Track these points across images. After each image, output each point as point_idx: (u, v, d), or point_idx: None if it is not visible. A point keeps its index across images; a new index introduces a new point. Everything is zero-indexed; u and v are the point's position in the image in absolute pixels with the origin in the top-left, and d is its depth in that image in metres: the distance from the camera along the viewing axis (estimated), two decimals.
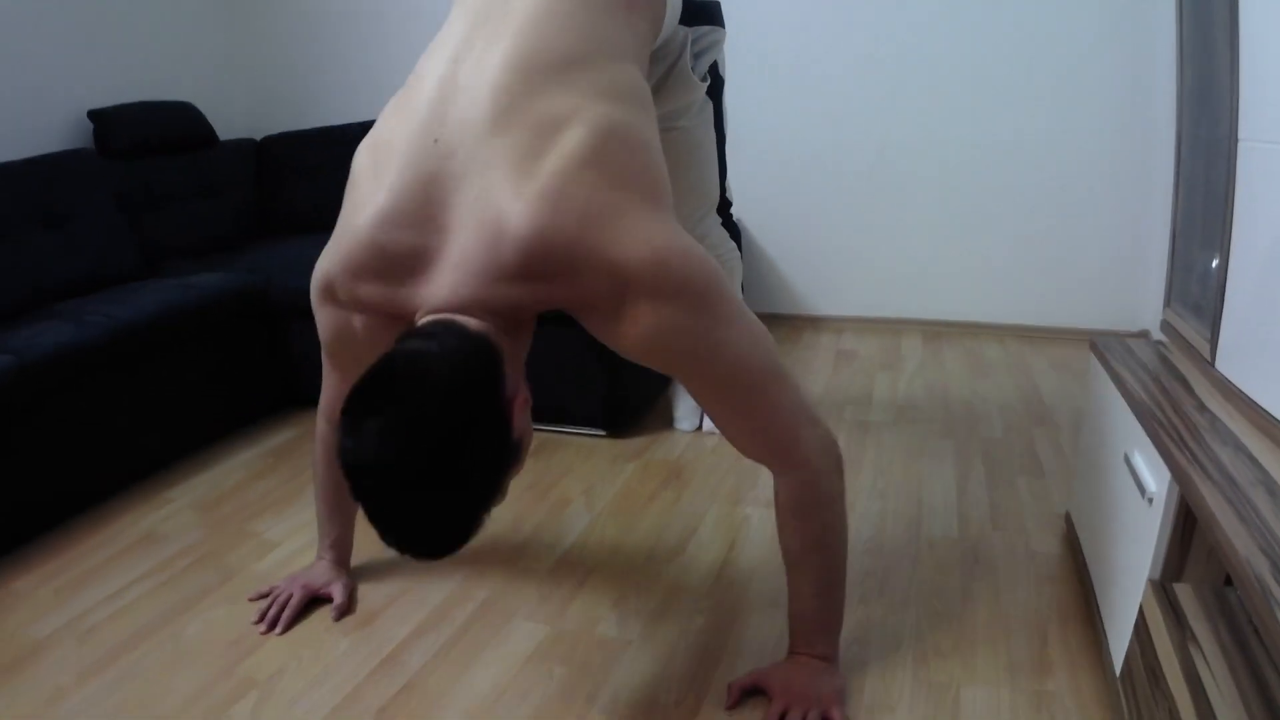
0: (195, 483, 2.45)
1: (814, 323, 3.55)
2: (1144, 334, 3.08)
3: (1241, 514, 1.01)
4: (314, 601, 1.81)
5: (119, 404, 2.38)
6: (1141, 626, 1.22)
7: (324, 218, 3.43)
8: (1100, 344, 1.71)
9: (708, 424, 2.53)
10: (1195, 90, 1.62)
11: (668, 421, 2.62)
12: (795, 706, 1.37)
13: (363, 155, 1.32)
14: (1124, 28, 2.87)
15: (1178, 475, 1.15)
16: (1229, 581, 1.20)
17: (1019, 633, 1.58)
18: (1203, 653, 1.07)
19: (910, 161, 3.25)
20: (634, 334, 1.22)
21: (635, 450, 2.46)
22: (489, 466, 1.14)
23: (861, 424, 2.53)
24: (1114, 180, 3.00)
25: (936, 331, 3.35)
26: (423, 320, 1.22)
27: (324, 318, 1.46)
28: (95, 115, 3.21)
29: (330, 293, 1.37)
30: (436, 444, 1.07)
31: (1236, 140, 1.27)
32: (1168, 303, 1.70)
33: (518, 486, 2.21)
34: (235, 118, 3.98)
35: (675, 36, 1.66)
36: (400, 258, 1.23)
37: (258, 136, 3.91)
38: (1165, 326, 1.69)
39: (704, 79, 1.83)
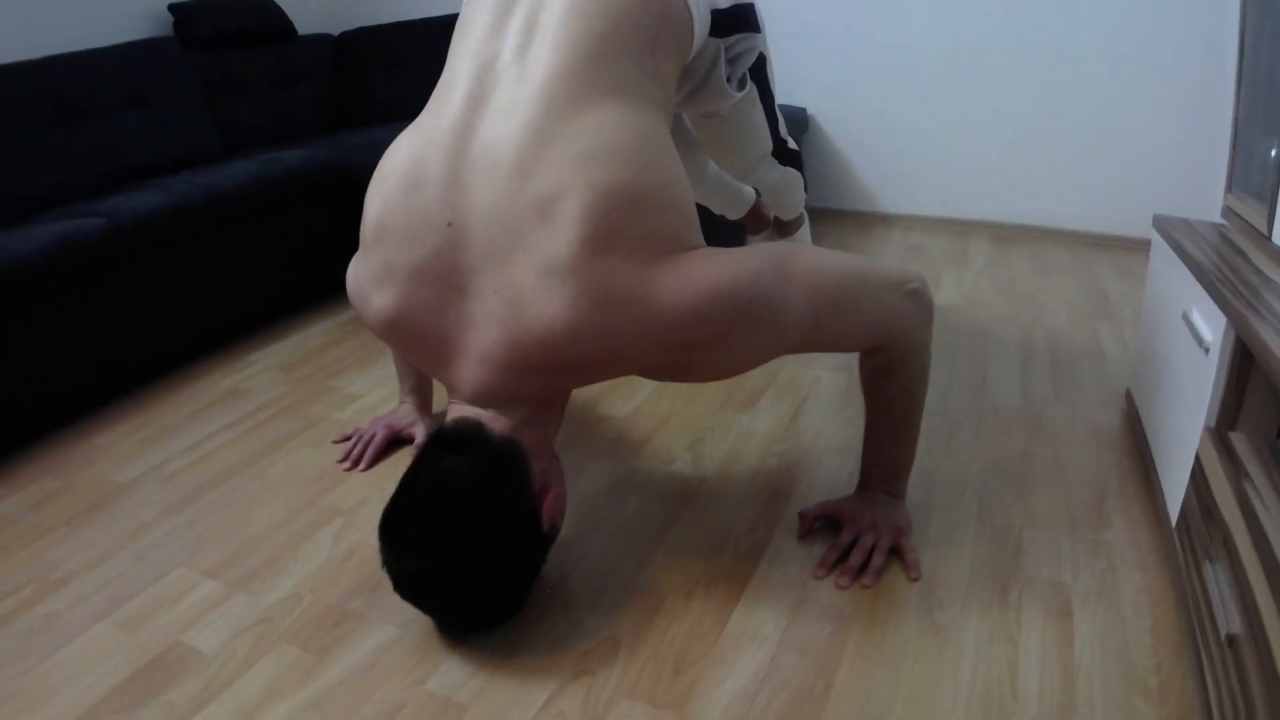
0: (277, 347, 2.55)
1: (884, 220, 3.55)
2: (1185, 220, 3.05)
3: None
4: (396, 442, 1.90)
5: (203, 270, 2.47)
6: (1198, 473, 1.26)
7: (401, 109, 3.58)
8: (1162, 219, 1.73)
9: None
10: None
11: None
12: (866, 534, 1.45)
13: (372, 208, 1.30)
14: None
15: (1234, 320, 1.18)
16: None
17: (1078, 489, 1.63)
18: (1257, 491, 1.12)
19: (983, 64, 3.19)
20: (712, 373, 1.27)
21: None
22: (524, 563, 1.26)
23: None
24: (1183, 92, 2.94)
25: (1004, 234, 3.34)
26: (452, 418, 1.27)
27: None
28: (176, 8, 3.30)
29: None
30: (471, 560, 1.18)
31: None
32: (1229, 189, 1.71)
33: None
34: (312, 12, 4.04)
35: (706, 51, 1.56)
36: (424, 341, 1.25)
37: (335, 31, 3.98)
38: (1226, 211, 1.69)
39: (741, 84, 1.73)
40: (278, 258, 2.74)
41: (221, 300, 2.55)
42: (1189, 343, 1.39)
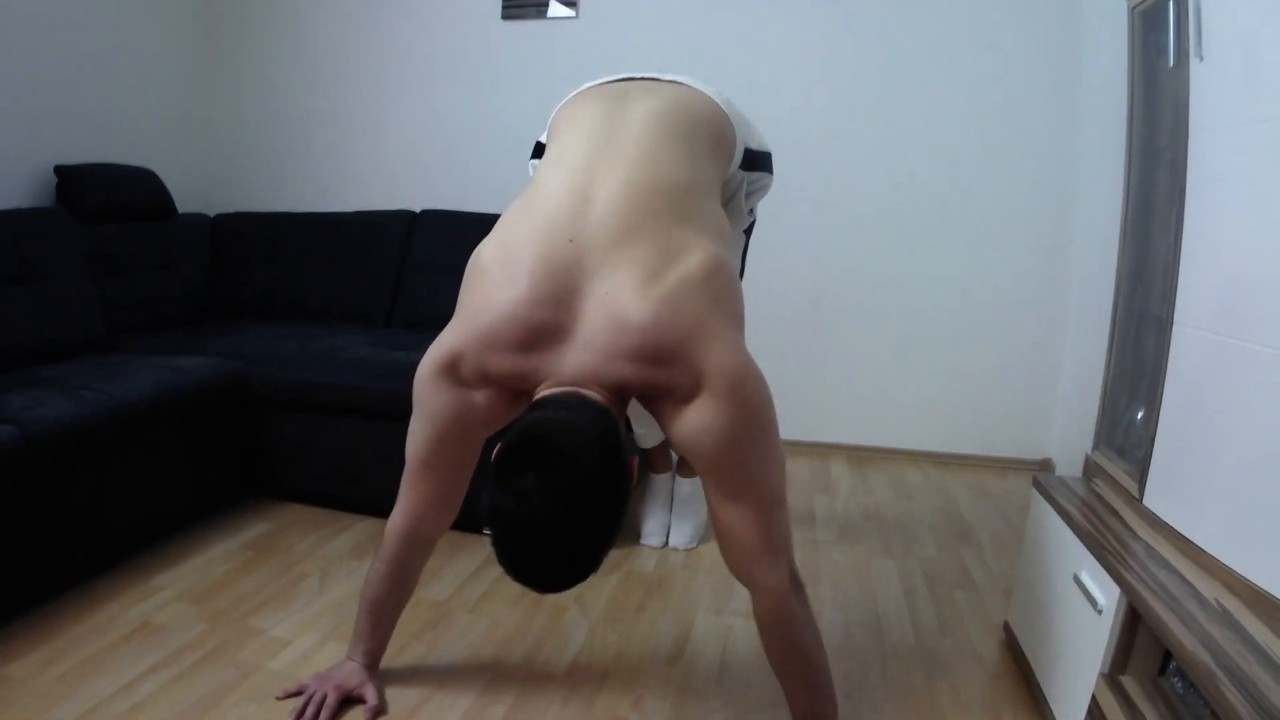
0: (179, 572, 2.49)
1: None
2: (1047, 462, 3.46)
3: (1182, 619, 1.30)
4: (346, 702, 1.89)
5: (103, 481, 2.40)
6: (1095, 710, 1.50)
7: (277, 304, 3.68)
8: (1041, 480, 2.03)
9: (673, 539, 2.76)
10: (1134, 270, 1.98)
11: (635, 537, 2.83)
12: None
13: (488, 251, 1.55)
14: (1045, 192, 3.33)
15: (1126, 590, 1.45)
16: (1161, 672, 1.49)
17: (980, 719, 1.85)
18: None
19: (845, 306, 3.63)
20: (693, 421, 1.45)
21: (613, 563, 2.65)
22: (619, 517, 1.38)
23: (811, 542, 2.79)
24: (1029, 327, 3.44)
25: (860, 456, 3.68)
26: (550, 392, 1.44)
27: (441, 399, 1.59)
28: (62, 171, 3.28)
29: (454, 369, 1.55)
30: (586, 497, 1.31)
31: (1172, 323, 1.62)
32: (1097, 445, 2.03)
33: (513, 593, 2.38)
34: (191, 190, 4.07)
35: (734, 178, 1.95)
36: (537, 331, 1.45)
37: (210, 213, 4.01)
38: (1093, 466, 2.01)
39: (749, 214, 2.15)
40: (176, 470, 2.71)
41: (120, 514, 2.49)
42: (1080, 601, 1.65)
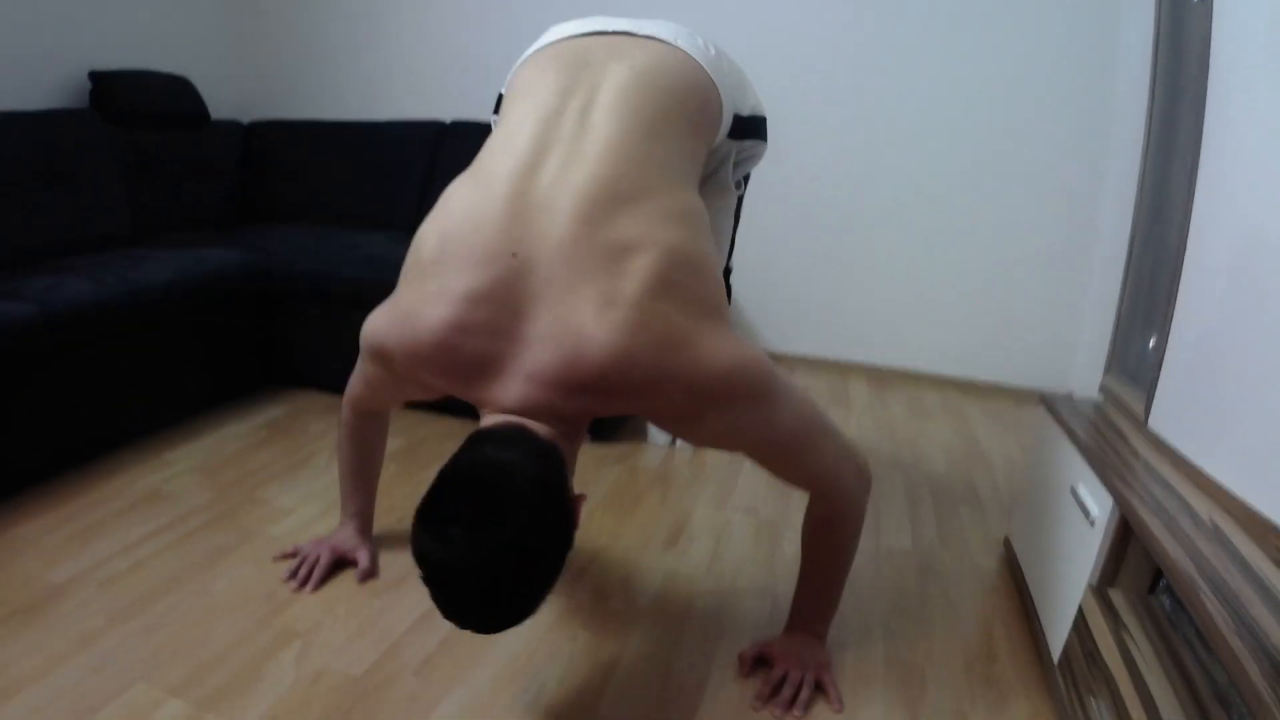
0: (192, 448, 2.58)
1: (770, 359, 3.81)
2: (1069, 396, 3.41)
3: (1172, 531, 1.29)
4: (339, 565, 1.96)
5: (122, 363, 2.48)
6: (1081, 622, 1.49)
7: (308, 211, 3.69)
8: (1049, 398, 2.00)
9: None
10: (1152, 198, 1.93)
11: (642, 435, 2.86)
12: (794, 670, 1.63)
13: (429, 239, 1.37)
14: (1080, 134, 3.21)
15: (1119, 501, 1.43)
16: (1152, 589, 1.48)
17: (969, 628, 1.85)
18: (1134, 640, 1.35)
19: (875, 230, 3.56)
20: (705, 433, 1.39)
21: (618, 456, 2.69)
22: (558, 563, 1.26)
23: None
24: (1055, 260, 3.35)
25: (880, 377, 3.66)
26: (490, 422, 1.31)
27: (373, 370, 1.57)
28: (96, 76, 3.29)
29: (386, 360, 1.46)
30: (519, 550, 1.17)
31: (1185, 247, 1.57)
32: (1109, 369, 2.00)
33: None
34: (225, 97, 4.09)
35: (721, 148, 1.77)
36: (470, 361, 1.31)
37: (244, 120, 4.04)
38: (1104, 390, 1.98)
39: (738, 185, 1.97)
40: (195, 355, 2.77)
41: (137, 394, 2.56)
42: (1075, 513, 1.63)
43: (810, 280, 3.70)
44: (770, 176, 3.57)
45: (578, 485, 2.39)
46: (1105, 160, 3.17)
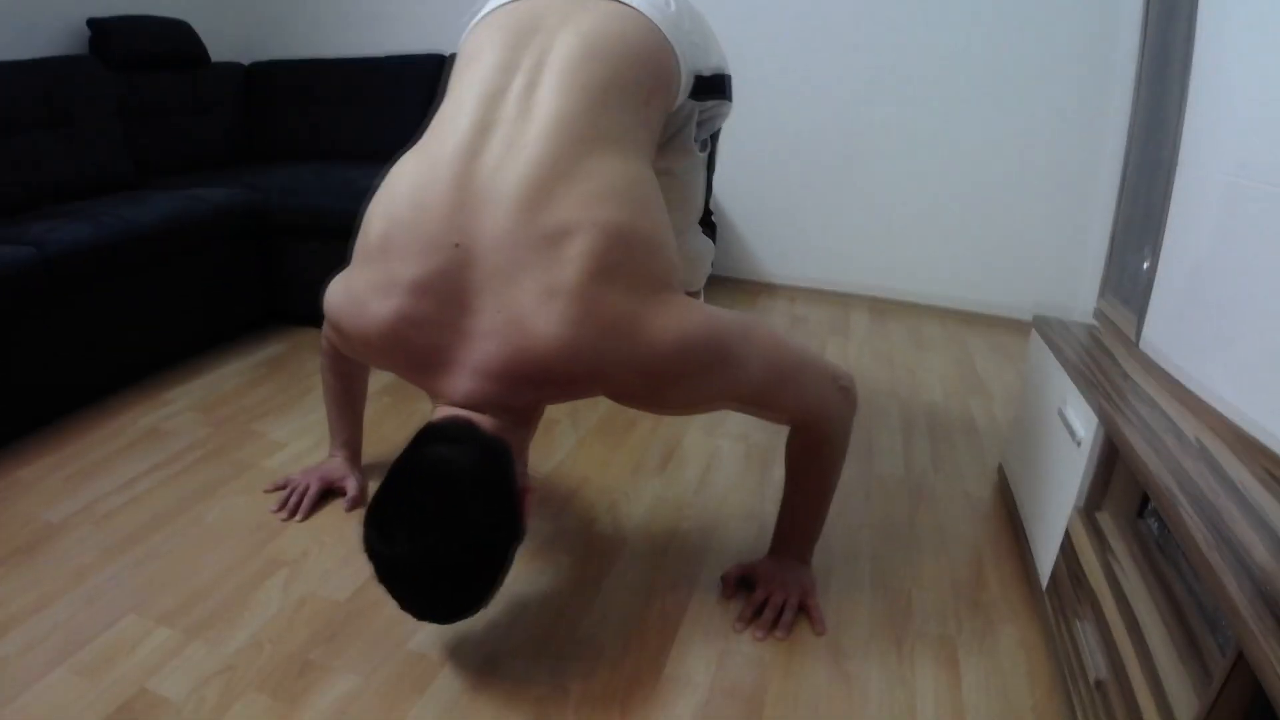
0: (191, 387, 2.58)
1: (769, 289, 3.80)
2: (1061, 320, 3.38)
3: (1155, 448, 1.27)
4: (328, 494, 1.98)
5: (121, 304, 2.49)
6: (1067, 545, 1.48)
7: (309, 150, 3.65)
8: (1041, 320, 1.98)
9: None
10: (1146, 118, 1.88)
11: None
12: (777, 593, 1.63)
13: (376, 223, 1.36)
14: (1084, 50, 3.12)
15: (1104, 420, 1.41)
16: (1141, 513, 1.46)
17: (959, 554, 1.84)
18: (1119, 562, 1.34)
19: (876, 153, 3.50)
20: (671, 406, 1.40)
21: None
22: (505, 555, 1.29)
23: None
24: (1059, 187, 3.28)
25: (882, 307, 3.62)
26: (439, 416, 1.33)
27: (336, 338, 1.57)
28: (95, 23, 3.28)
29: (344, 338, 1.47)
30: (464, 548, 1.21)
31: (1175, 165, 1.54)
32: (1103, 294, 1.97)
33: None
34: (225, 40, 4.05)
35: (683, 110, 1.71)
36: (419, 352, 1.32)
37: (246, 61, 4.01)
38: (1098, 313, 1.95)
39: (704, 146, 1.91)
40: (195, 294, 2.77)
41: (137, 335, 2.57)
42: (1063, 434, 1.61)
43: (813, 205, 3.66)
44: (768, 98, 3.53)
45: (572, 411, 2.43)
46: (1113, 79, 3.10)
